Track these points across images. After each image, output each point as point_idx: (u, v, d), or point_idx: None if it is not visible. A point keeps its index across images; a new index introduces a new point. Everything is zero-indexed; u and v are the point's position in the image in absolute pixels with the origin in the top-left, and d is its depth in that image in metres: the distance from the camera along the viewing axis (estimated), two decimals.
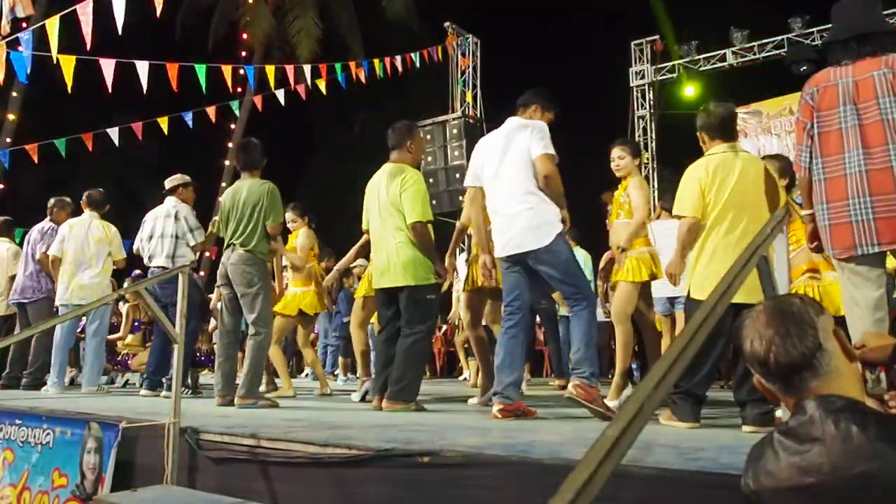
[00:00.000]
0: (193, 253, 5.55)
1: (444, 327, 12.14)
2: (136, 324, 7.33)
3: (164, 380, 5.34)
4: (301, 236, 5.75)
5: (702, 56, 13.21)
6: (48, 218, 6.40)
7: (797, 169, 2.87)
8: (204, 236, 5.56)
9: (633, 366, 7.38)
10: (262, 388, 5.63)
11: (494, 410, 3.31)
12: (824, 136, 2.72)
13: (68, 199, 6.53)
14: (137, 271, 7.85)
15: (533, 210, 3.40)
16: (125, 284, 7.24)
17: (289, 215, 5.75)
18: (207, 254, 16.83)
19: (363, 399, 4.83)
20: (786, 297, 1.37)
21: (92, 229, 5.88)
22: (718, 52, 13.06)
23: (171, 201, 5.60)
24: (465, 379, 9.01)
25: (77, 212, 6.24)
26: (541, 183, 3.41)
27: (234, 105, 11.43)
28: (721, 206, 3.09)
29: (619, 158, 4.36)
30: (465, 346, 8.25)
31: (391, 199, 3.99)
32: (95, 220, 5.96)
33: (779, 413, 2.65)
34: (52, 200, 6.49)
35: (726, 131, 3.24)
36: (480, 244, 3.73)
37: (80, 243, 5.79)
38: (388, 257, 3.96)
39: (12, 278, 6.46)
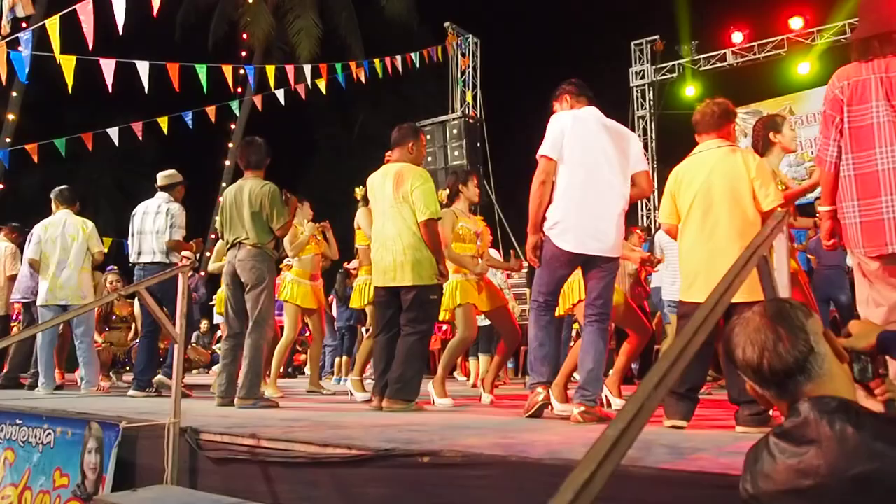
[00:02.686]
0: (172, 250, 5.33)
1: (445, 327, 12.12)
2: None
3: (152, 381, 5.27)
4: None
5: (702, 56, 13.22)
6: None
7: (820, 164, 2.77)
8: (182, 236, 5.36)
9: (634, 365, 7.38)
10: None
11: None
12: (855, 130, 2.64)
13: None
14: (112, 267, 7.70)
15: (622, 217, 3.36)
16: (108, 278, 7.20)
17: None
18: (208, 254, 16.85)
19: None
20: (774, 302, 1.35)
21: (67, 227, 5.71)
22: (718, 52, 13.06)
23: (162, 197, 5.47)
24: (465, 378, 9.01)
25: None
26: (632, 196, 3.41)
27: (234, 105, 11.44)
28: (688, 206, 3.09)
29: None
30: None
31: (402, 198, 3.97)
32: (70, 217, 5.79)
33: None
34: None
35: (710, 126, 3.16)
36: (537, 225, 3.35)
37: (56, 243, 5.63)
38: (395, 257, 3.94)
39: (11, 279, 6.46)
